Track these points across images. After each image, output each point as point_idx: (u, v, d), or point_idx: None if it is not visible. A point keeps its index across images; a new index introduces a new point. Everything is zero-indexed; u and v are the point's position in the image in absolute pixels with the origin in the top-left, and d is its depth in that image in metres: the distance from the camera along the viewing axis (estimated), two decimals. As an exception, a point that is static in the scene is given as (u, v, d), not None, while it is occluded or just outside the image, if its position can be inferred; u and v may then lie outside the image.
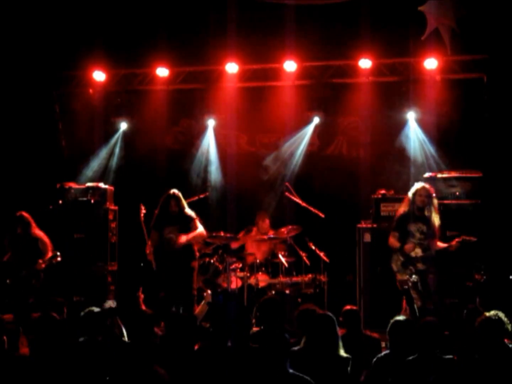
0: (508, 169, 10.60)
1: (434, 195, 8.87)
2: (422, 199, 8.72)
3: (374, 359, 6.02)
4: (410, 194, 8.88)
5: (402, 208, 8.91)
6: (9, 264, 9.57)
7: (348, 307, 7.13)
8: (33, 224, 9.67)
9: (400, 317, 6.22)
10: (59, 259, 9.52)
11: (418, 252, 8.58)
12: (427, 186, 8.87)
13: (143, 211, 9.96)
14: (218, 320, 6.11)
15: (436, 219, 8.73)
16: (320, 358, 5.81)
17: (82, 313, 6.60)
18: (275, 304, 7.05)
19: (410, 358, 5.71)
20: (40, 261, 9.40)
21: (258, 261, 10.58)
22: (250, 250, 10.94)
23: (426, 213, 8.73)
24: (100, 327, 6.50)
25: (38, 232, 9.66)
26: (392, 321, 6.08)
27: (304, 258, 10.58)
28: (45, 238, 9.63)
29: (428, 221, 8.70)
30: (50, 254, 9.49)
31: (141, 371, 3.47)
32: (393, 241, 8.78)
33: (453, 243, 8.75)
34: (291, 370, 5.17)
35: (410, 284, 7.95)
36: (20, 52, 11.30)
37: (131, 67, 11.98)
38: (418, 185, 8.87)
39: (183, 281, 9.22)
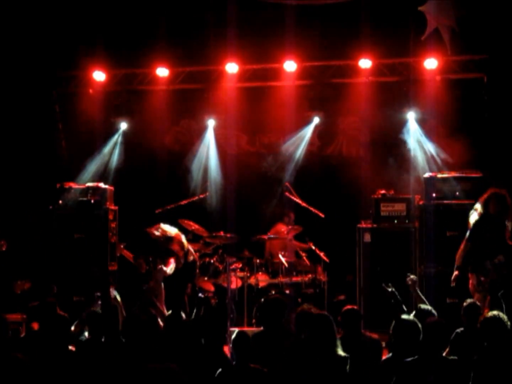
0: (508, 169, 10.60)
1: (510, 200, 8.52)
2: (498, 209, 8.41)
3: (381, 363, 6.00)
4: (482, 200, 8.56)
5: (476, 215, 8.59)
6: None
7: (348, 306, 7.12)
8: None
9: (405, 316, 6.21)
10: (4, 248, 9.31)
11: (501, 258, 8.38)
12: (500, 193, 8.51)
13: (122, 247, 9.94)
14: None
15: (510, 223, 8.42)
16: (319, 358, 5.81)
17: (85, 313, 6.65)
18: (277, 304, 7.09)
19: (411, 359, 5.69)
20: None
21: (258, 261, 10.60)
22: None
23: (503, 218, 8.39)
24: (102, 327, 6.52)
25: None
26: (396, 319, 6.06)
27: (304, 258, 10.59)
28: None
29: (503, 225, 8.40)
30: None
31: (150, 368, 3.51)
32: (459, 256, 8.52)
33: None
34: None
35: (410, 282, 7.90)
36: (20, 52, 11.30)
37: (131, 67, 11.97)
38: (491, 192, 8.54)
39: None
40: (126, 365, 5.67)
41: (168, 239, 9.69)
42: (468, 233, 8.57)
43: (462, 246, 8.59)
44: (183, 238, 9.91)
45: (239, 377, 5.92)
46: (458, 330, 6.83)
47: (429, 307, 6.96)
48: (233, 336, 6.21)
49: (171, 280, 9.47)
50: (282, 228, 11.17)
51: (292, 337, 6.86)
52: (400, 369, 5.65)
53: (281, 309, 7.09)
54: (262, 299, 7.67)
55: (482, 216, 8.54)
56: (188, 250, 9.77)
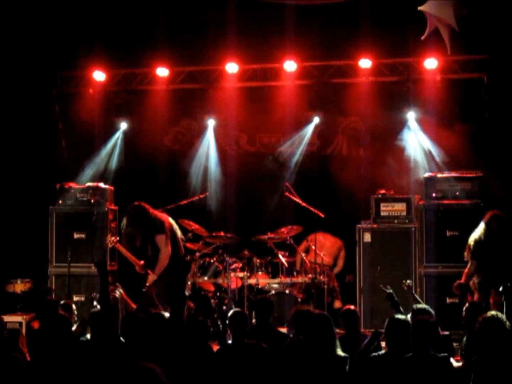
0: (508, 169, 10.61)
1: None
2: (499, 227, 8.42)
3: (372, 357, 6.01)
4: (485, 220, 8.53)
5: (478, 235, 8.56)
6: None
7: (347, 307, 7.15)
8: None
9: (399, 316, 6.22)
10: None
11: None
12: (500, 213, 8.49)
13: (115, 240, 9.73)
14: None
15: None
16: (318, 358, 5.82)
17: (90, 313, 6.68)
18: (264, 304, 7.14)
19: (406, 356, 5.70)
20: None
21: (258, 261, 10.60)
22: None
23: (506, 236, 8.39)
24: (105, 327, 6.52)
25: None
26: (389, 319, 6.08)
27: (304, 258, 10.58)
28: None
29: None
30: None
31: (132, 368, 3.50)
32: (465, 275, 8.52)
33: None
34: None
35: (406, 288, 7.89)
36: (20, 52, 11.29)
37: (131, 67, 11.97)
38: (492, 213, 8.52)
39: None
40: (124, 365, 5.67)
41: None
42: (472, 252, 8.55)
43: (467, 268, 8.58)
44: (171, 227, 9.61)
45: (236, 352, 6.05)
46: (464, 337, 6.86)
47: (425, 306, 6.97)
48: (230, 313, 6.31)
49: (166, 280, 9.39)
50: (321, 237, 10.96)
51: (280, 337, 6.90)
52: (396, 366, 5.67)
53: (267, 309, 7.13)
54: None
55: (485, 233, 8.50)
56: (178, 245, 9.59)
